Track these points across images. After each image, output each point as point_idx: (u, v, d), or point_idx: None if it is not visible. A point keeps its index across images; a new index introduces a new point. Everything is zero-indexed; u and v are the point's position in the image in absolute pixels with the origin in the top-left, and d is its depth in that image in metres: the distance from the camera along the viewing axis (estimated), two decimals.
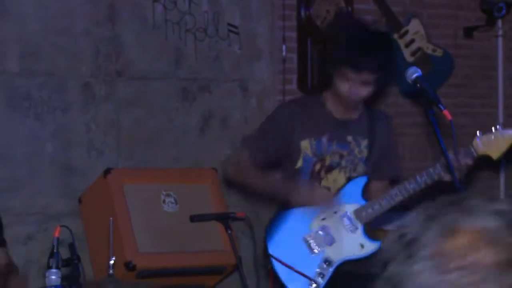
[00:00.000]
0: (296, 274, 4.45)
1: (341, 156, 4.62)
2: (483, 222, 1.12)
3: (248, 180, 4.79)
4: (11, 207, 5.43)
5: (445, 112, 3.88)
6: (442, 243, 1.11)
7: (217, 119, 6.33)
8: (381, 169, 4.70)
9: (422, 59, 6.35)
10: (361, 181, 4.61)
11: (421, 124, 5.91)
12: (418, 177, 4.48)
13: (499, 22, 7.04)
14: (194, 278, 5.70)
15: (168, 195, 5.74)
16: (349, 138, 4.61)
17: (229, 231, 5.02)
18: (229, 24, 6.35)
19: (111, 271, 4.47)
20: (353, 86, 4.43)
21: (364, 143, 4.63)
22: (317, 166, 4.59)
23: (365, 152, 4.64)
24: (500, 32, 7.08)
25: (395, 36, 6.47)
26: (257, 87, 6.47)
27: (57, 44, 5.82)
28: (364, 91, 4.46)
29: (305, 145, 4.57)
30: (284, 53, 6.53)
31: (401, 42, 6.55)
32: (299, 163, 4.58)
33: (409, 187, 4.43)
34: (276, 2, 6.50)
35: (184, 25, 6.22)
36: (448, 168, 4.15)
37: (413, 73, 4.06)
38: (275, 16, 6.51)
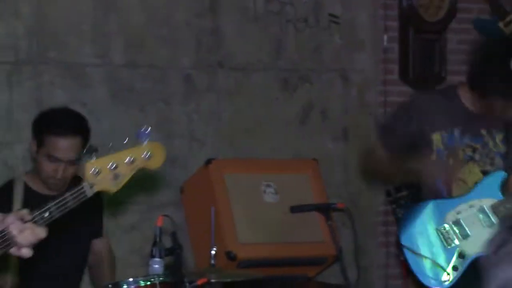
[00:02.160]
0: (427, 266, 4.42)
1: (474, 150, 4.54)
2: None
3: (376, 167, 4.84)
4: (115, 198, 5.55)
5: None
6: None
7: (317, 110, 6.35)
8: None
9: None
10: (499, 176, 4.49)
11: None
12: None
13: None
14: (294, 269, 5.73)
15: (268, 186, 5.79)
16: (483, 131, 4.54)
17: (330, 222, 5.06)
18: (330, 14, 6.38)
19: (212, 261, 4.60)
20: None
21: (500, 136, 4.56)
22: (450, 160, 4.53)
23: (501, 146, 4.56)
24: None
25: (501, 24, 6.35)
26: (357, 78, 6.49)
27: (159, 36, 5.93)
28: None
29: (437, 138, 4.53)
30: (385, 43, 6.57)
31: (506, 31, 6.38)
32: (433, 155, 4.54)
33: None
34: None
35: (284, 16, 6.26)
36: None
37: None
38: (377, 5, 6.55)
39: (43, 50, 5.66)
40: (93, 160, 2.98)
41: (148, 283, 4.06)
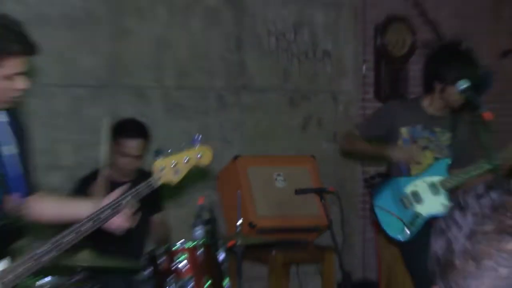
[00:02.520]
0: (393, 222, 4.49)
1: (430, 141, 4.57)
2: None
3: (353, 146, 4.85)
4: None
5: (487, 114, 3.96)
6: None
7: (314, 120, 6.36)
8: (459, 159, 4.56)
9: None
10: (446, 161, 4.53)
11: None
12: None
13: None
14: (297, 234, 5.69)
15: (278, 175, 5.77)
16: (437, 129, 4.58)
17: (323, 201, 5.14)
18: (324, 51, 6.38)
19: (238, 229, 4.67)
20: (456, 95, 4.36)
21: (448, 134, 4.57)
22: (412, 146, 4.55)
23: (448, 141, 4.57)
24: None
25: None
26: (343, 97, 6.48)
27: (200, 66, 5.92)
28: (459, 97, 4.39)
29: (404, 131, 4.57)
30: (364, 71, 6.55)
31: None
32: (399, 143, 4.57)
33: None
34: (358, 33, 6.52)
35: (290, 51, 6.26)
36: None
37: (463, 84, 4.18)
38: (357, 43, 6.52)
39: (117, 77, 5.67)
40: (160, 159, 3.08)
41: (192, 244, 4.10)
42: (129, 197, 3.04)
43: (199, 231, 4.34)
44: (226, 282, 4.14)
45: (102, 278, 4.26)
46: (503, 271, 1.02)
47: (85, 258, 3.89)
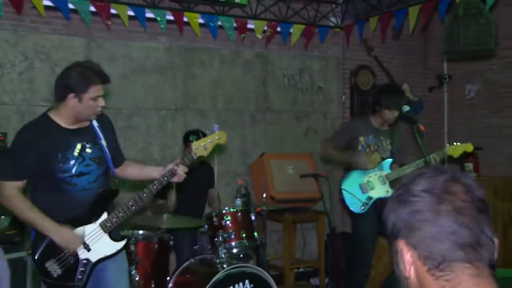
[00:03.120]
0: (354, 201, 4.34)
1: (378, 146, 4.45)
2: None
3: (330, 154, 4.60)
4: (219, 170, 5.45)
5: (421, 127, 3.82)
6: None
7: (312, 131, 6.26)
8: (396, 157, 4.46)
9: (410, 101, 6.12)
10: (389, 161, 4.40)
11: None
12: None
13: (445, 86, 6.91)
14: (301, 203, 5.62)
15: (289, 165, 5.71)
16: (381, 138, 4.45)
17: (318, 182, 5.11)
18: (318, 86, 6.30)
19: (263, 200, 4.70)
20: (388, 115, 4.32)
21: (389, 141, 4.46)
22: (367, 150, 4.42)
23: (389, 146, 4.45)
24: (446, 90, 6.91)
25: None
26: (331, 116, 6.38)
27: (240, 96, 5.86)
28: (391, 117, 4.34)
29: (362, 139, 4.43)
30: (343, 99, 6.44)
31: None
32: (359, 147, 4.42)
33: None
34: (340, 76, 6.40)
35: (296, 87, 6.18)
36: None
37: (406, 108, 4.03)
38: (339, 82, 6.41)
39: (187, 103, 5.62)
40: (194, 142, 3.09)
41: (234, 210, 4.04)
42: (181, 165, 3.05)
43: (238, 201, 4.35)
44: (256, 234, 4.09)
45: (176, 232, 4.24)
46: (448, 225, 1.02)
47: (165, 219, 3.85)
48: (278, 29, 5.86)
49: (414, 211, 1.03)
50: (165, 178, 2.98)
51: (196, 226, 4.23)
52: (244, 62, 5.90)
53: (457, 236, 0.99)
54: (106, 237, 2.91)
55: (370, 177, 4.38)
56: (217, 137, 3.15)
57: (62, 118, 2.89)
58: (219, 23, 5.49)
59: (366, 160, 4.36)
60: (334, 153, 4.54)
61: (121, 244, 2.96)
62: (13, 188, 2.80)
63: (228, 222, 3.98)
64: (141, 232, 3.98)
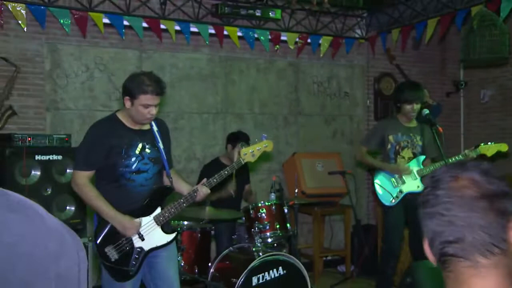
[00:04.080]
0: (385, 194, 4.23)
1: (408, 142, 4.29)
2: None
3: (366, 161, 4.42)
4: (255, 168, 5.50)
5: (439, 128, 3.79)
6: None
7: (339, 132, 6.21)
8: (427, 152, 4.32)
9: (429, 106, 5.98)
10: (421, 157, 4.27)
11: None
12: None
13: (461, 91, 6.77)
14: (329, 198, 5.58)
15: (319, 163, 5.67)
16: (411, 134, 4.30)
17: (345, 178, 5.09)
18: (345, 92, 6.25)
19: (296, 194, 4.67)
20: (408, 108, 4.19)
21: (418, 137, 4.29)
22: (397, 147, 4.29)
23: (420, 141, 4.29)
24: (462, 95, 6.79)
25: None
26: (356, 118, 6.31)
27: (275, 101, 5.84)
28: (411, 110, 4.19)
29: (391, 138, 4.31)
30: (368, 104, 6.37)
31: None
32: (389, 146, 4.30)
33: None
34: (365, 82, 6.33)
35: (325, 92, 6.13)
36: None
37: (425, 111, 3.98)
38: (365, 87, 6.35)
39: (227, 108, 5.64)
40: (243, 148, 3.11)
41: (269, 203, 4.04)
42: (226, 172, 3.06)
43: (273, 196, 4.32)
44: (288, 225, 4.08)
45: (217, 223, 4.27)
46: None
47: (207, 212, 3.88)
48: (309, 40, 5.86)
49: (425, 202, 0.98)
50: (188, 198, 2.99)
51: (235, 218, 4.26)
52: (277, 70, 5.90)
53: (453, 229, 0.92)
54: (158, 229, 2.94)
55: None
56: (264, 145, 3.14)
57: (125, 118, 2.94)
58: (256, 35, 5.54)
59: (402, 169, 4.20)
60: (370, 160, 4.37)
61: (172, 236, 2.99)
62: (85, 178, 2.86)
63: (263, 215, 3.99)
64: (186, 222, 4.03)
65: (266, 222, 3.96)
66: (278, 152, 5.84)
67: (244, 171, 4.97)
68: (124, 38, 5.02)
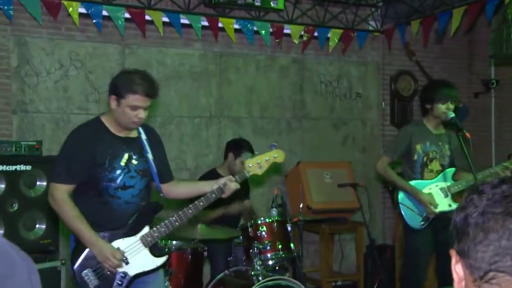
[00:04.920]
0: (413, 216, 4.12)
1: (437, 153, 4.18)
2: None
3: (386, 175, 4.30)
4: (256, 179, 5.52)
5: (467, 134, 3.73)
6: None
7: (350, 138, 6.20)
8: (457, 163, 4.21)
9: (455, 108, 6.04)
10: (451, 170, 4.18)
11: None
12: None
13: (492, 91, 6.76)
14: (339, 214, 5.58)
15: (327, 174, 5.66)
16: (440, 143, 4.19)
17: (356, 192, 5.04)
18: (356, 93, 6.24)
19: (300, 210, 4.56)
20: (443, 109, 4.07)
21: (447, 146, 4.19)
22: (425, 158, 4.18)
23: (448, 151, 4.19)
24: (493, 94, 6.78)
25: None
26: (370, 123, 6.31)
27: (276, 104, 5.83)
28: (446, 110, 4.07)
29: (418, 147, 4.20)
30: (383, 106, 6.37)
31: None
32: (415, 157, 4.18)
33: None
34: (379, 81, 6.33)
35: (334, 93, 6.12)
36: None
37: (451, 114, 3.95)
38: (379, 87, 6.35)
39: (221, 111, 5.63)
40: (249, 159, 3.06)
41: (269, 220, 4.00)
42: (230, 182, 3.04)
43: (274, 211, 4.25)
44: (292, 245, 4.04)
45: (210, 243, 4.23)
46: (504, 243, 0.95)
47: (199, 230, 3.85)
48: (315, 34, 5.83)
49: (466, 216, 1.00)
50: (213, 195, 2.97)
51: (231, 237, 4.21)
52: (280, 68, 5.88)
53: (504, 242, 0.94)
54: (146, 251, 2.90)
55: (430, 188, 4.14)
56: (274, 155, 3.09)
57: (111, 123, 2.90)
58: (255, 28, 5.50)
59: (429, 200, 4.06)
60: (393, 177, 4.25)
61: (162, 260, 2.94)
62: (65, 192, 2.80)
63: (263, 233, 3.93)
64: (174, 242, 3.99)
65: (266, 242, 3.91)
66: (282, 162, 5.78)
67: (245, 185, 4.93)
68: (102, 31, 4.98)
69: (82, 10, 4.82)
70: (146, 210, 2.93)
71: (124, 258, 2.84)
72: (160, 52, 5.35)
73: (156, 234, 2.89)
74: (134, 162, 2.90)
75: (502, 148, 4.18)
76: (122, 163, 2.86)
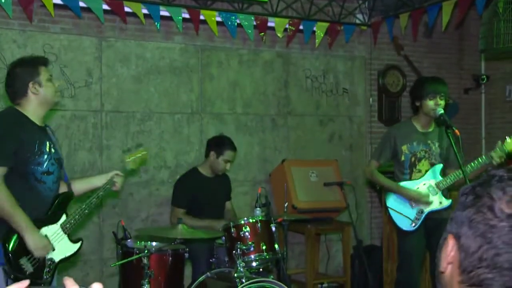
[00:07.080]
0: (403, 219, 4.16)
1: (426, 152, 4.21)
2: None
3: (374, 179, 4.35)
4: (237, 178, 5.49)
5: (456, 131, 3.69)
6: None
7: (337, 135, 6.21)
8: (448, 161, 4.21)
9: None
10: (439, 167, 4.19)
11: None
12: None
13: (482, 87, 6.82)
14: (325, 213, 5.59)
15: (312, 172, 5.68)
16: (429, 142, 4.23)
17: (343, 190, 5.10)
18: (343, 88, 6.26)
19: (285, 210, 4.56)
20: (432, 105, 4.07)
21: (436, 144, 4.21)
22: (413, 158, 4.21)
23: (438, 149, 4.21)
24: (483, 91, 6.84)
25: None
26: (357, 120, 6.33)
27: (260, 99, 5.83)
28: (435, 106, 4.07)
29: (404, 148, 4.24)
30: (371, 102, 6.39)
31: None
32: (402, 158, 4.21)
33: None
34: (367, 77, 6.36)
35: (320, 89, 6.13)
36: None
37: (440, 111, 3.94)
38: (366, 83, 6.38)
39: (203, 107, 5.60)
40: (127, 154, 3.77)
41: (253, 220, 4.02)
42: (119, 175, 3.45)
43: (258, 211, 4.28)
44: (276, 246, 4.05)
45: (192, 243, 4.22)
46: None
47: (180, 230, 3.83)
48: (301, 27, 5.82)
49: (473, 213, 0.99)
50: (108, 186, 3.36)
51: (213, 237, 4.20)
52: (264, 62, 5.88)
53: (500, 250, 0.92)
54: (66, 238, 3.22)
55: (418, 188, 4.17)
56: (143, 152, 3.62)
57: (28, 112, 3.09)
58: (238, 21, 5.48)
59: (423, 198, 4.12)
60: (381, 180, 4.29)
61: (78, 245, 3.29)
62: (0, 176, 2.96)
63: (247, 234, 3.94)
64: (154, 243, 3.97)
65: (250, 243, 3.91)
66: (265, 159, 5.81)
67: (227, 185, 4.94)
68: (80, 21, 4.93)
69: (57, 0, 4.77)
70: (63, 198, 3.23)
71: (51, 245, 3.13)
72: (139, 45, 5.31)
73: (72, 221, 3.21)
74: (53, 150, 3.14)
75: (493, 146, 4.19)
76: (47, 149, 3.09)
